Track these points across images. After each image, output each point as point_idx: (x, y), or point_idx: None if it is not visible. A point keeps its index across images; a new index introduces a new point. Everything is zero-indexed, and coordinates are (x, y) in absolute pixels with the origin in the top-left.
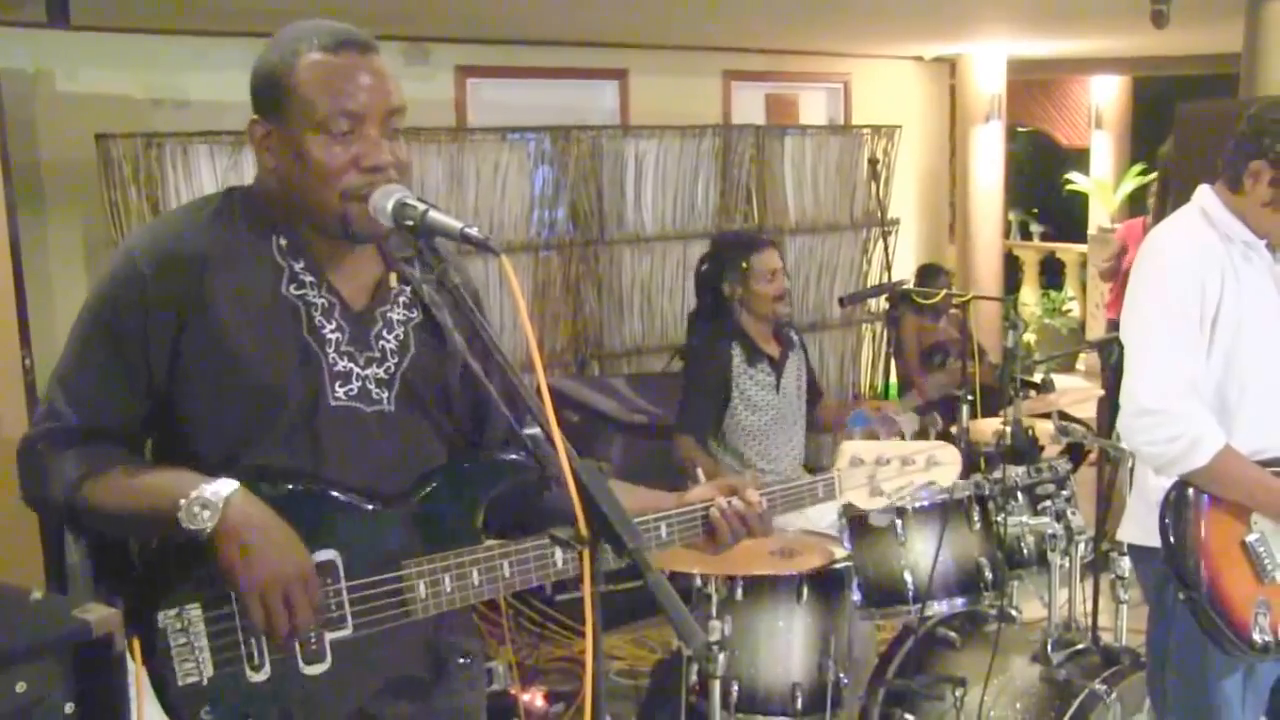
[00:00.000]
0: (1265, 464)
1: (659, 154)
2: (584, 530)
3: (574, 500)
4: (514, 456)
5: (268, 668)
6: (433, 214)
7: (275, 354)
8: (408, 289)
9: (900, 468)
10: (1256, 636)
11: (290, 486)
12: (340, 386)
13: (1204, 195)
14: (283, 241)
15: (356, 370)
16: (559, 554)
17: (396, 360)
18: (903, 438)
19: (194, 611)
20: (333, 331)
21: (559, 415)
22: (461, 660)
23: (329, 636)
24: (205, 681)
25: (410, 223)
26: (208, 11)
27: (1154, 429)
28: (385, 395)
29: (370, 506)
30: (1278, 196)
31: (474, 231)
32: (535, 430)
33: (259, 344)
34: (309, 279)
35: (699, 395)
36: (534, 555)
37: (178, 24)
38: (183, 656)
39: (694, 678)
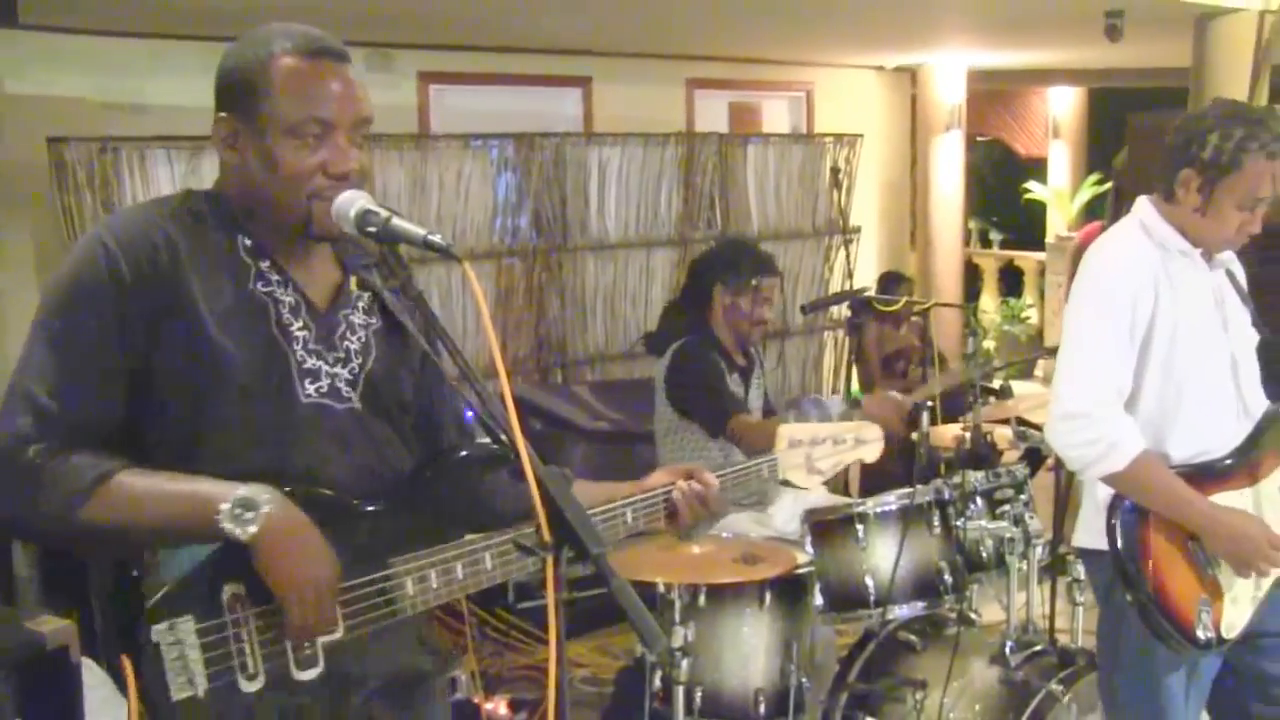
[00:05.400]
0: (1201, 467)
1: (622, 161)
2: (547, 536)
3: (537, 506)
4: (470, 456)
5: (262, 676)
6: (395, 221)
7: (246, 350)
8: (366, 295)
9: (833, 447)
10: (1200, 633)
11: (288, 489)
12: (310, 383)
13: (1142, 207)
14: (248, 241)
15: (325, 368)
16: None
17: (360, 361)
18: (830, 419)
19: (186, 624)
20: (300, 329)
21: (522, 423)
22: (439, 659)
23: (320, 640)
24: (200, 694)
25: (373, 229)
26: (164, 13)
27: (1075, 432)
28: (353, 394)
29: (354, 505)
30: (1205, 203)
31: (436, 238)
32: (498, 437)
33: (232, 340)
34: (275, 277)
35: (717, 383)
36: (512, 549)
37: (132, 25)
38: (176, 670)
39: (657, 684)
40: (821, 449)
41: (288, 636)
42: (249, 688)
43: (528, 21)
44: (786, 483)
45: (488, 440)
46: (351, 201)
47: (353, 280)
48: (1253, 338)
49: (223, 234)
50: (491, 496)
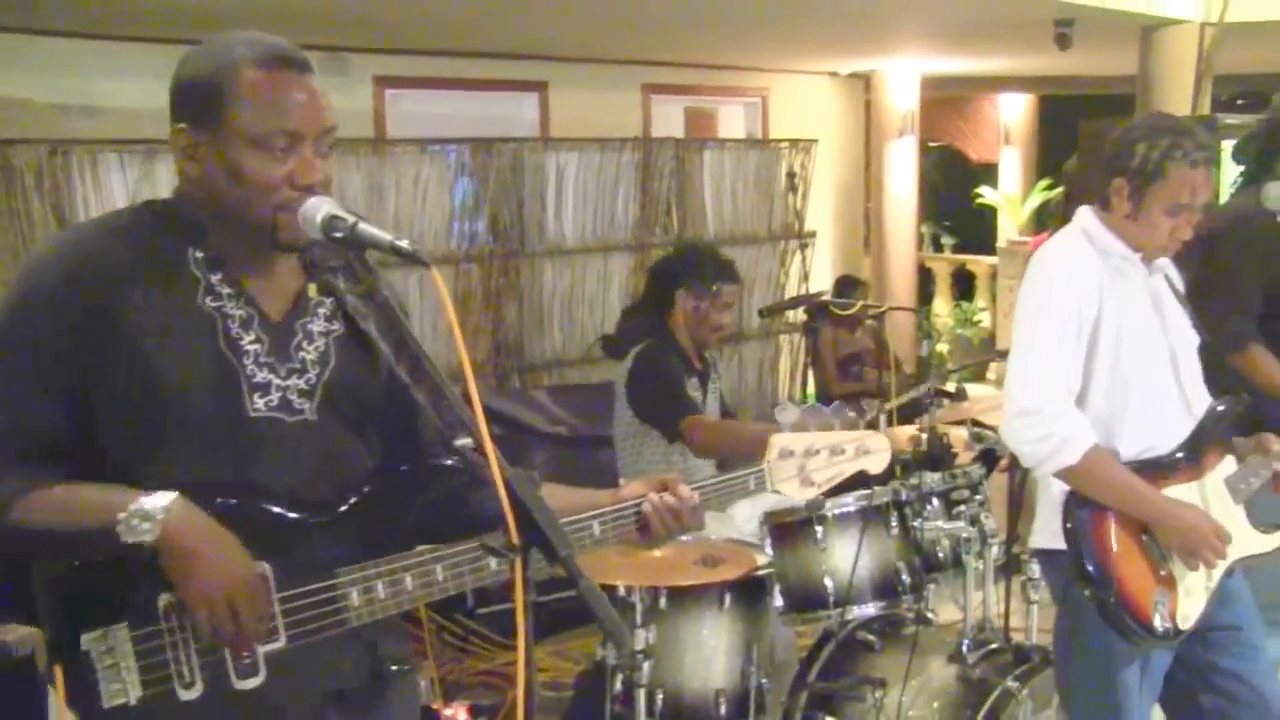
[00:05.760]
0: (1149, 462)
1: (579, 167)
2: (515, 538)
3: (505, 508)
4: (446, 462)
5: (199, 685)
6: (363, 226)
7: (191, 367)
8: (329, 300)
9: (830, 457)
10: (1159, 625)
11: (219, 500)
12: (260, 398)
13: (1084, 215)
14: (199, 254)
15: (276, 381)
16: (491, 558)
17: (318, 371)
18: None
19: (120, 632)
20: (251, 343)
21: (466, 433)
22: (396, 668)
23: (262, 650)
24: (133, 702)
25: (340, 234)
26: (116, 13)
27: (1028, 429)
28: (307, 405)
29: (300, 516)
30: (1136, 210)
31: (404, 244)
32: (465, 440)
33: (174, 358)
34: (226, 290)
35: (677, 388)
36: (468, 559)
37: (83, 25)
38: (109, 678)
39: (618, 687)
40: (817, 460)
41: (198, 644)
42: (186, 696)
43: (484, 26)
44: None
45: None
46: (318, 207)
47: (312, 287)
48: (1193, 339)
49: (173, 248)
50: (449, 506)
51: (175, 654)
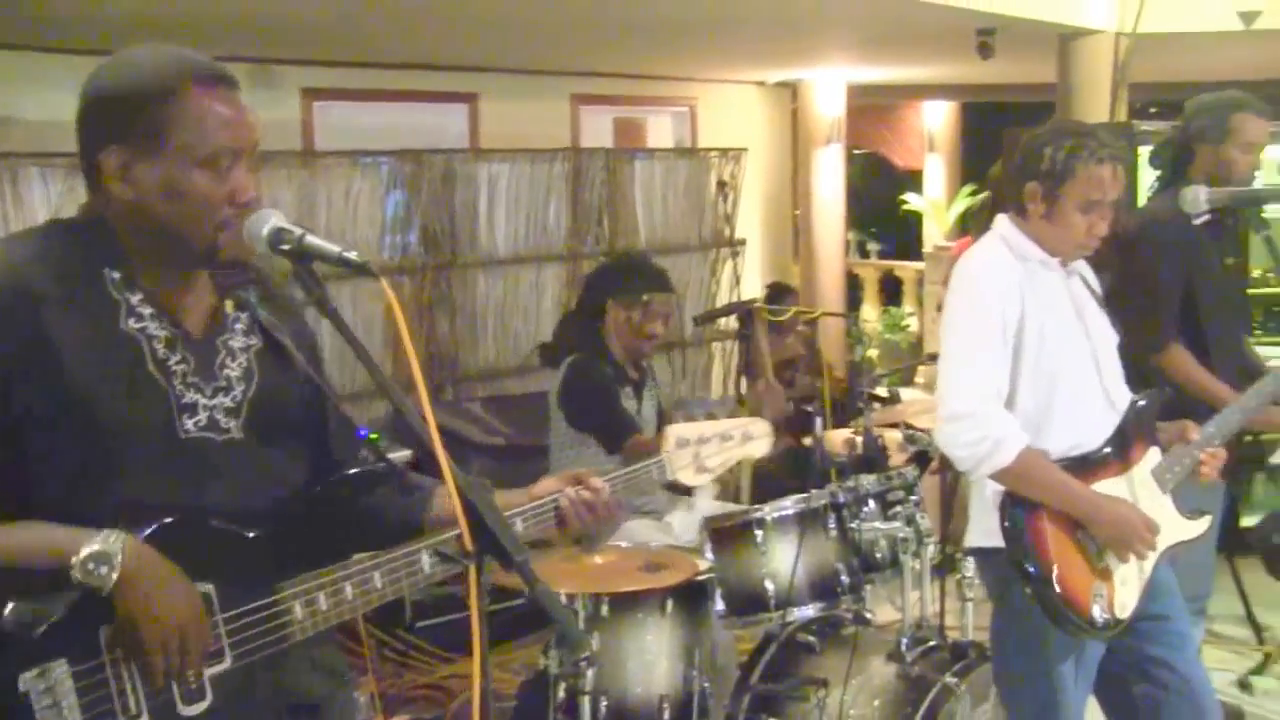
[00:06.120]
0: (1079, 459)
1: (511, 177)
2: (469, 545)
3: (459, 515)
4: (373, 467)
5: (145, 715)
6: (310, 238)
7: (121, 392)
8: (245, 315)
9: (720, 444)
10: (1098, 616)
11: (157, 522)
12: (189, 418)
13: (1001, 223)
14: (115, 274)
15: (203, 401)
16: (425, 559)
17: (243, 388)
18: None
19: (59, 669)
20: (178, 363)
21: (416, 441)
22: (335, 683)
23: (208, 672)
24: None
25: (287, 247)
26: (35, 24)
27: (962, 433)
28: (233, 424)
29: (238, 534)
30: (1050, 211)
31: (352, 255)
32: (404, 452)
33: (103, 383)
34: (148, 311)
35: (610, 398)
36: (404, 564)
37: (1, 37)
38: (49, 717)
39: (561, 696)
40: (709, 447)
41: (151, 681)
42: None
43: (413, 38)
44: (675, 487)
45: (371, 458)
46: (264, 220)
47: (229, 303)
48: (1112, 337)
49: (88, 269)
50: (377, 513)
51: (119, 685)
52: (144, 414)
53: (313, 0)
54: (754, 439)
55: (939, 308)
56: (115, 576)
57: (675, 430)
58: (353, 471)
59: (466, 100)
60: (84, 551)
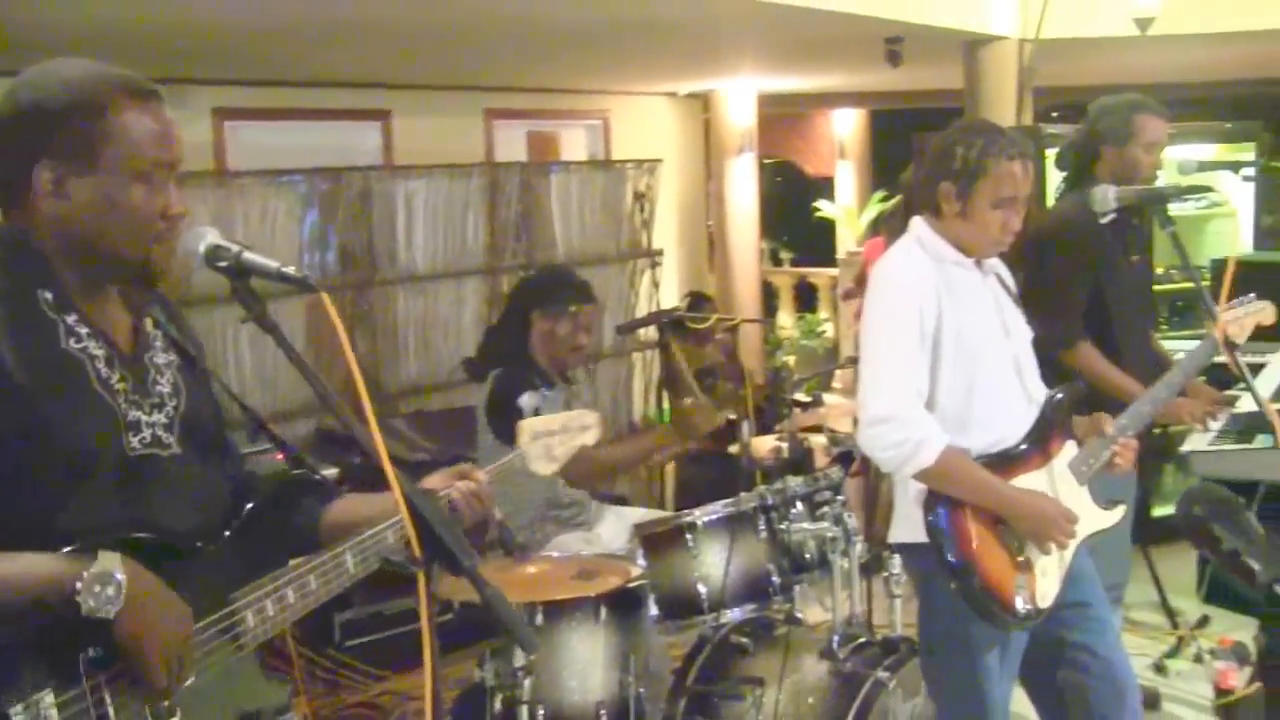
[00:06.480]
0: (1000, 455)
1: (427, 193)
2: (418, 551)
3: (407, 524)
4: (299, 472)
5: None
6: (247, 254)
7: (73, 412)
8: (160, 334)
9: (564, 435)
10: (1020, 606)
11: (115, 541)
12: (134, 436)
13: (917, 225)
14: (48, 295)
15: (144, 418)
16: (349, 559)
17: (174, 404)
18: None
19: (46, 699)
20: (119, 381)
21: (341, 460)
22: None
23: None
24: None
25: (224, 264)
26: None
27: (884, 435)
28: (172, 439)
29: (190, 548)
30: (965, 209)
31: (291, 270)
32: (330, 470)
33: (55, 404)
34: (84, 330)
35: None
36: (333, 566)
37: None
38: None
39: (498, 707)
40: (557, 438)
41: (150, 698)
42: None
43: (324, 56)
44: (603, 496)
45: (300, 470)
46: (200, 237)
47: (149, 320)
48: (1027, 333)
49: (20, 290)
50: (302, 522)
51: (101, 711)
52: (96, 434)
53: (223, 19)
54: (588, 429)
55: (856, 315)
56: (122, 597)
57: (529, 424)
58: (284, 485)
59: (379, 118)
60: (86, 575)
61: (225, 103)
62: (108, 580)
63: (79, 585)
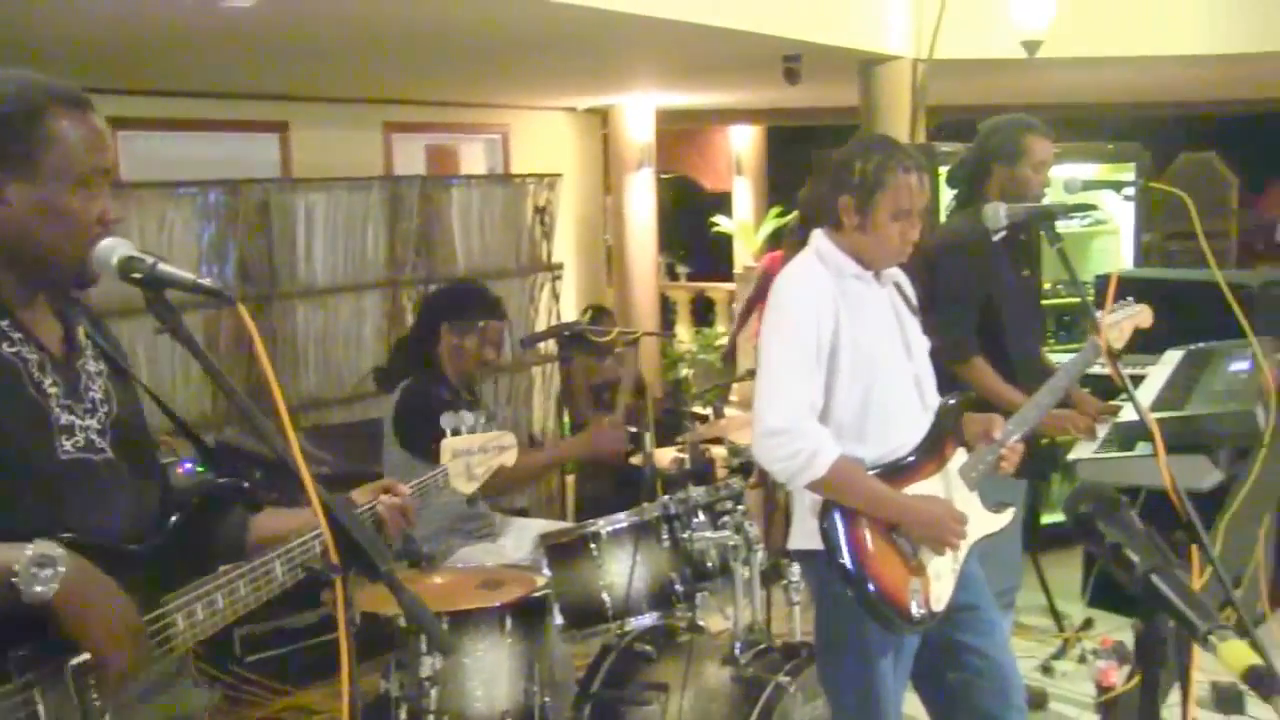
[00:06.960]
0: (895, 464)
1: (327, 206)
2: (335, 558)
3: (325, 531)
4: (226, 480)
5: None
6: (162, 266)
7: (8, 417)
8: (89, 341)
9: (482, 455)
10: (915, 611)
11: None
12: (67, 440)
13: (817, 239)
14: None
15: (78, 422)
16: (278, 567)
17: (106, 409)
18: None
19: None
20: (51, 386)
21: (241, 473)
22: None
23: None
24: None
25: (138, 275)
26: None
27: (778, 447)
28: (105, 444)
29: (122, 552)
30: (865, 221)
31: (207, 282)
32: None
33: None
34: (17, 335)
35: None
36: (261, 572)
37: None
38: None
39: (403, 718)
40: (477, 457)
41: (107, 688)
42: None
43: (221, 67)
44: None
45: (220, 479)
46: (112, 249)
47: (80, 329)
48: (925, 344)
49: None
50: (230, 531)
51: (31, 710)
52: (29, 437)
53: (118, 27)
54: (506, 449)
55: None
56: (58, 585)
57: (450, 444)
58: (208, 493)
59: (277, 129)
60: (24, 556)
61: (120, 112)
62: (47, 562)
63: (17, 568)
